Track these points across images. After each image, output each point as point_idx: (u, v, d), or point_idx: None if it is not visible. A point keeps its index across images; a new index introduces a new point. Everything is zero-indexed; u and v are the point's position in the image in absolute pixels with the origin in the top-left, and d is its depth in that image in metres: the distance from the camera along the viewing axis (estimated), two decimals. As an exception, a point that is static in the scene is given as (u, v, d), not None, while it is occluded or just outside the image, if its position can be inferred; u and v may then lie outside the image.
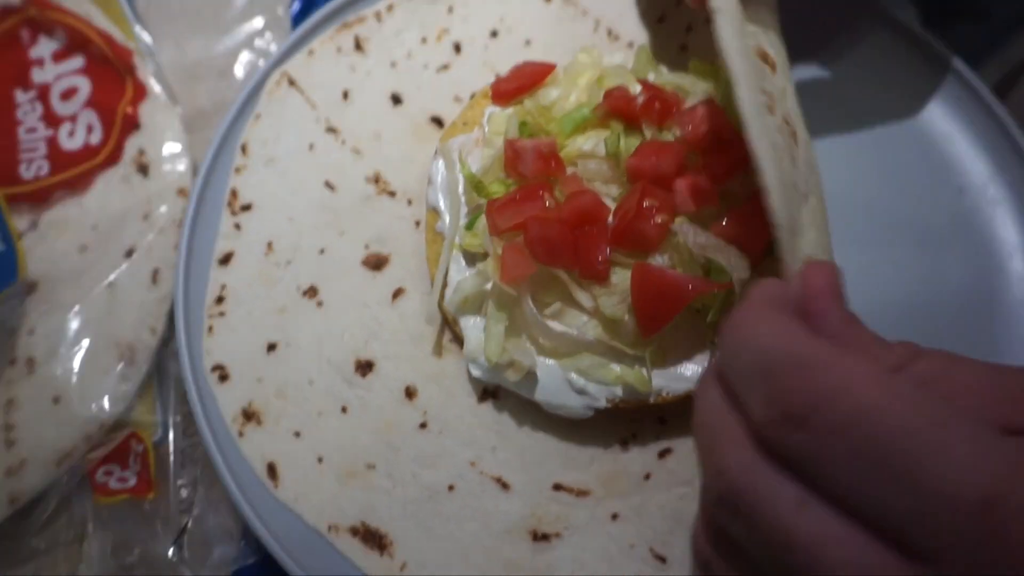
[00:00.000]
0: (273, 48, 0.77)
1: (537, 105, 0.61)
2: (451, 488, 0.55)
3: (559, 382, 0.55)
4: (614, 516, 0.54)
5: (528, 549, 0.53)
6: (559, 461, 0.57)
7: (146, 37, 0.75)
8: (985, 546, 0.27)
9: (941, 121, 0.67)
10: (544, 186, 0.56)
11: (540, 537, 0.54)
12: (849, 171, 0.65)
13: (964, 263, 0.63)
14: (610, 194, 0.57)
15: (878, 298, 0.62)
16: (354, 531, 0.54)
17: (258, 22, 0.79)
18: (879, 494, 0.29)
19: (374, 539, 0.54)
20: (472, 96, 0.67)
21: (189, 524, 0.56)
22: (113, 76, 0.71)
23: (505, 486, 0.56)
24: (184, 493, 0.57)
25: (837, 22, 0.69)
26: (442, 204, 0.61)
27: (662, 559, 0.53)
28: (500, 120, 0.62)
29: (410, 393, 0.58)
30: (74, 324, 0.60)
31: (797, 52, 0.62)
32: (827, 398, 0.30)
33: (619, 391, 0.54)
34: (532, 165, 0.57)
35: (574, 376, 0.54)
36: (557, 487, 0.56)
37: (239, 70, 0.77)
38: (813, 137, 0.56)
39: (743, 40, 0.47)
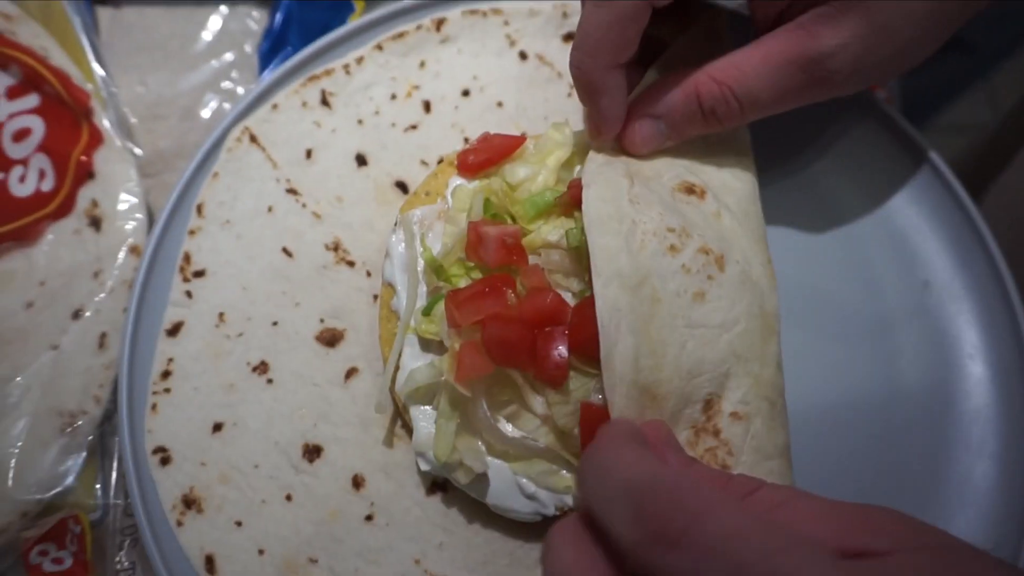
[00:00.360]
0: (240, 91, 0.75)
1: (503, 184, 0.59)
2: (394, 586, 0.54)
3: (509, 485, 0.53)
4: None
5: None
6: (506, 561, 0.56)
7: (105, 74, 0.72)
8: None
9: (912, 213, 0.65)
10: (507, 280, 0.54)
11: None
12: (814, 258, 0.65)
13: (924, 360, 0.63)
14: (571, 288, 0.55)
15: (834, 391, 0.62)
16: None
17: (226, 58, 0.77)
18: None
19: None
20: (439, 162, 0.65)
21: (125, 611, 0.55)
22: (68, 119, 0.68)
23: (449, 586, 0.55)
24: (121, 578, 0.56)
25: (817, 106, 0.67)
26: (398, 281, 0.59)
27: None
28: (465, 195, 0.59)
29: (357, 483, 0.57)
30: (14, 396, 0.58)
31: (772, 133, 0.61)
32: (695, 520, 0.33)
33: (568, 499, 0.53)
34: (494, 254, 0.55)
35: (524, 481, 0.53)
36: None
37: (204, 112, 0.74)
38: (779, 222, 0.58)
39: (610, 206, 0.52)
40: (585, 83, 0.55)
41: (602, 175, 0.54)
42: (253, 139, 0.66)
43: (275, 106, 0.67)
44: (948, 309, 0.63)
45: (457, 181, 0.61)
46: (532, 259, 0.56)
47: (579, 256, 0.55)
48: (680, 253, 0.51)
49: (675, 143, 0.58)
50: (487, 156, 0.61)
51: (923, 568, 0.33)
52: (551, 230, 0.56)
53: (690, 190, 0.55)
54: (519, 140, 0.61)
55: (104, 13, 0.77)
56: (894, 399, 0.61)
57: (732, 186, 0.57)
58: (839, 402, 0.62)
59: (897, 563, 0.33)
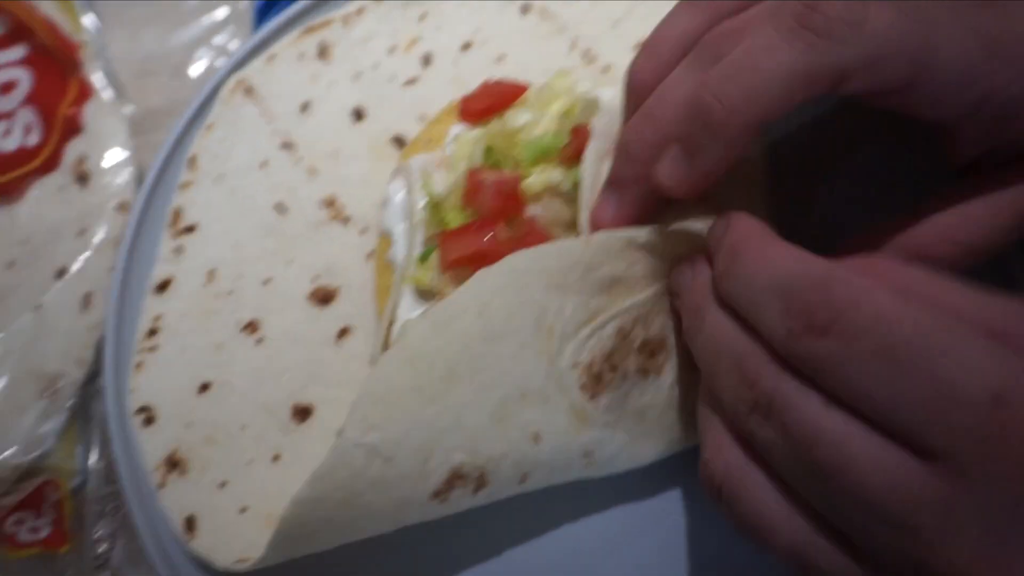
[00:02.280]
0: (233, 46, 0.72)
1: (504, 129, 0.56)
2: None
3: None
4: None
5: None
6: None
7: (95, 27, 0.69)
8: (994, 441, 0.29)
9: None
10: (499, 220, 0.52)
11: None
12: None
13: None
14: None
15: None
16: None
17: (219, 14, 0.74)
18: (896, 395, 0.31)
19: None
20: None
21: (105, 579, 0.53)
22: (56, 71, 0.66)
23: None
24: (102, 547, 0.53)
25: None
26: (396, 230, 0.56)
27: None
28: (466, 142, 0.56)
29: (349, 444, 0.54)
30: (-7, 352, 0.56)
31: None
32: (848, 307, 0.33)
33: None
34: (491, 201, 0.52)
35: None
36: None
37: (195, 68, 0.72)
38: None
39: None
40: (717, 124, 0.40)
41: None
42: (248, 91, 0.63)
43: (271, 57, 0.64)
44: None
45: (458, 128, 0.58)
46: (530, 209, 0.53)
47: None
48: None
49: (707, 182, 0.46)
50: (489, 103, 0.58)
51: None
52: (550, 176, 0.54)
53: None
54: (521, 88, 0.58)
55: (94, -35, 0.75)
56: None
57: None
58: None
59: None
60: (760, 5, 0.42)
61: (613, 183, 0.48)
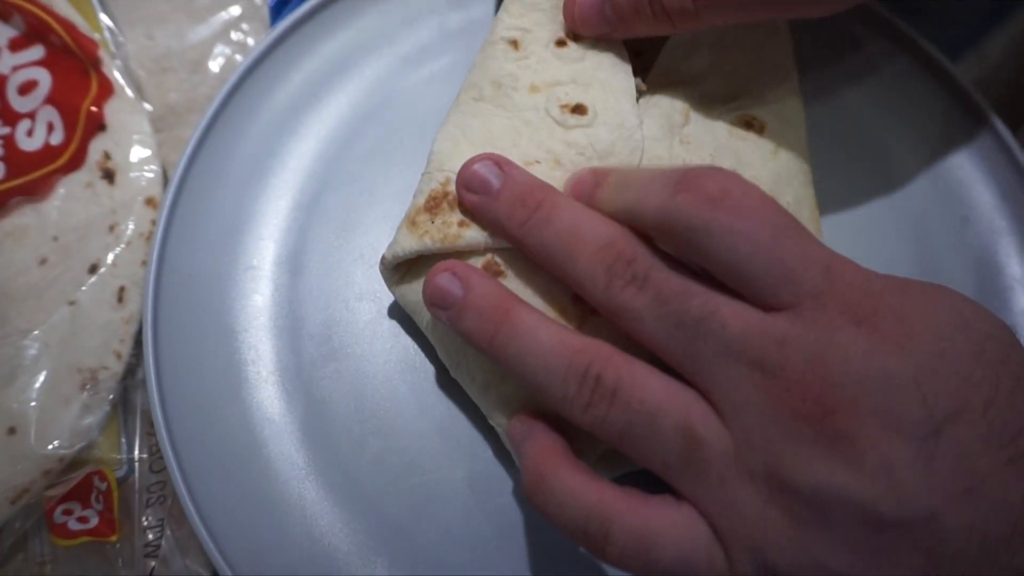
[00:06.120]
0: (250, 41, 0.73)
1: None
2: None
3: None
4: None
5: None
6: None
7: (112, 25, 0.70)
8: (824, 294, 0.37)
9: (950, 148, 0.63)
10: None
11: None
12: (852, 194, 0.63)
13: (967, 292, 0.61)
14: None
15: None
16: None
17: (234, 10, 0.74)
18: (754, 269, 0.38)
19: None
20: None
21: (155, 568, 0.53)
22: (76, 70, 0.66)
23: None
24: (150, 535, 0.54)
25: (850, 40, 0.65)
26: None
27: None
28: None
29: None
30: (32, 348, 0.56)
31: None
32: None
33: None
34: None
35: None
36: None
37: (213, 64, 0.72)
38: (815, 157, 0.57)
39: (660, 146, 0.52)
40: None
41: (657, 108, 0.52)
42: (270, 85, 0.64)
43: (291, 51, 0.65)
44: (988, 242, 0.62)
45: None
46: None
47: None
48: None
49: (619, 36, 0.54)
50: None
51: None
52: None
53: (749, 124, 0.54)
54: None
55: (107, -36, 0.75)
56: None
57: (789, 120, 0.56)
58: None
59: None
60: None
61: None
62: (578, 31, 0.54)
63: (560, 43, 0.53)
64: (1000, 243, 0.62)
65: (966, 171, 0.63)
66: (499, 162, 0.49)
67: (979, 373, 0.37)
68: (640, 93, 0.55)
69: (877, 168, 0.63)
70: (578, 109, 0.51)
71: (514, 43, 0.54)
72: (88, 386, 0.56)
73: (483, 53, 0.55)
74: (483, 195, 0.48)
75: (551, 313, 0.48)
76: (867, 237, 0.62)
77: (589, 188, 0.47)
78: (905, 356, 0.37)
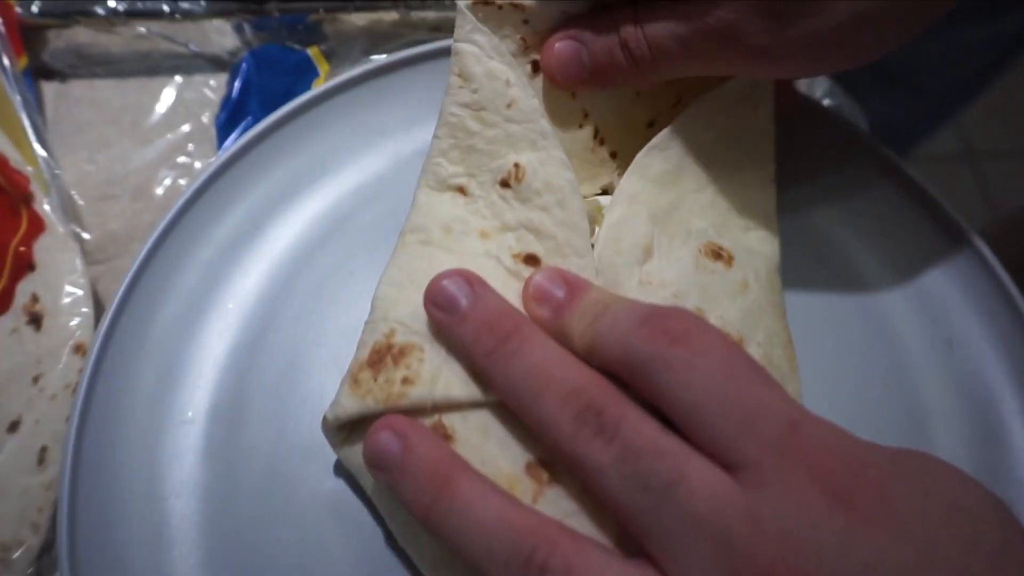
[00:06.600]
0: (197, 165, 0.69)
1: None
2: None
3: None
4: None
5: None
6: None
7: (47, 155, 0.66)
8: (790, 454, 0.35)
9: (928, 266, 0.59)
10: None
11: None
12: (828, 319, 0.58)
13: (959, 427, 0.56)
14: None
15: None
16: None
17: (183, 130, 0.71)
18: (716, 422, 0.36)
19: None
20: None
21: None
22: (6, 206, 0.62)
23: None
24: None
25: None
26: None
27: None
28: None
29: None
30: (-62, 526, 0.51)
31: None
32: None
33: None
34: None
35: None
36: None
37: (158, 189, 0.69)
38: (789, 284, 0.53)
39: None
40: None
41: (619, 233, 0.49)
42: (209, 220, 0.60)
43: (233, 182, 0.61)
44: (976, 368, 0.57)
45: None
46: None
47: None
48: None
49: (596, 86, 0.51)
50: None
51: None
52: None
53: (717, 255, 0.50)
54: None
55: (49, 88, 0.72)
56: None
57: (759, 251, 0.52)
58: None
59: None
60: None
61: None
62: (557, 83, 0.51)
63: (504, 184, 0.50)
64: (990, 370, 0.57)
65: (946, 291, 0.59)
66: (470, 280, 0.45)
67: (974, 567, 0.33)
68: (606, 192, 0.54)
69: (852, 286, 0.60)
70: (530, 260, 0.47)
71: (461, 189, 0.51)
72: (0, 564, 0.51)
73: (427, 196, 0.52)
74: (450, 314, 0.45)
75: (502, 482, 0.44)
76: (844, 361, 0.57)
77: (559, 303, 0.44)
78: (887, 545, 0.33)
